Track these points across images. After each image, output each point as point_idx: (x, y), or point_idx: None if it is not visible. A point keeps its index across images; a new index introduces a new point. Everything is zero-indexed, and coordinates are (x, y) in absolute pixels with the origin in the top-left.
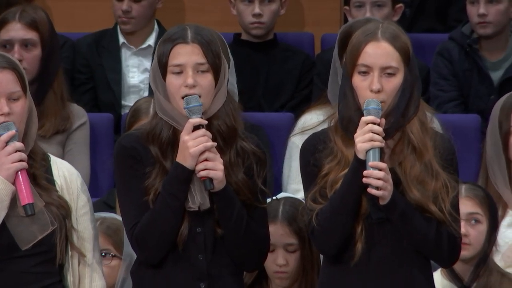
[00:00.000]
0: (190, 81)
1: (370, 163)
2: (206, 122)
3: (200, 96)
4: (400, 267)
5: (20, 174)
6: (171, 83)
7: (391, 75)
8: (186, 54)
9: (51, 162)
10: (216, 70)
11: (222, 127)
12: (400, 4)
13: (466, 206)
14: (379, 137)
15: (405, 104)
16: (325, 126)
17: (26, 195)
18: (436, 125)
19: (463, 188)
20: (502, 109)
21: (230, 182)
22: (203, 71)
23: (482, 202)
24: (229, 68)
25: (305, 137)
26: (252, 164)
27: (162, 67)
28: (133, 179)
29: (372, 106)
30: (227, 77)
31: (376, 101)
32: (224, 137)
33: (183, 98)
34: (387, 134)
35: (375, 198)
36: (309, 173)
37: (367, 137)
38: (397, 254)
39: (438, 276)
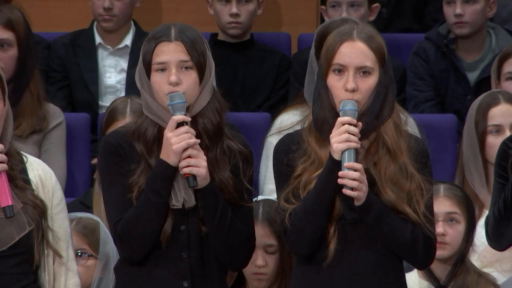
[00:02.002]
0: (173, 78)
1: (346, 163)
2: (189, 119)
3: (184, 93)
4: (373, 268)
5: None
6: (155, 81)
7: (366, 74)
8: (169, 52)
9: (26, 162)
10: (200, 68)
11: (207, 125)
12: (377, 4)
13: (445, 206)
14: (355, 138)
15: (379, 106)
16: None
17: (5, 197)
18: (411, 126)
19: (441, 188)
20: (478, 109)
21: (215, 180)
22: (186, 68)
23: (460, 202)
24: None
25: (281, 137)
26: (238, 163)
27: (146, 65)
28: (117, 175)
29: (349, 107)
30: (212, 75)
31: (353, 102)
32: (209, 135)
33: (167, 95)
34: (362, 135)
35: (349, 199)
36: (283, 173)
37: (343, 137)
38: (370, 255)
39: (415, 276)
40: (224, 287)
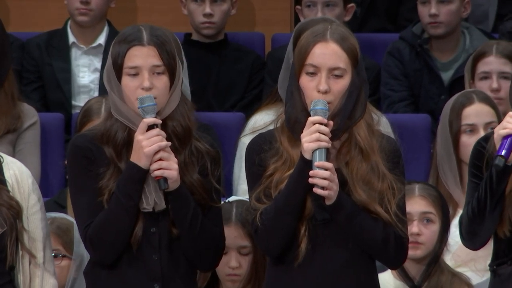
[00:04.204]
0: (146, 83)
1: (316, 163)
2: (160, 121)
3: (155, 98)
4: (345, 268)
5: None
6: (126, 85)
7: (338, 76)
8: (142, 56)
9: (3, 162)
10: (171, 71)
11: (177, 128)
12: (352, 4)
13: (420, 206)
14: (326, 138)
15: (352, 106)
16: None
17: None
18: (384, 126)
19: (416, 188)
20: (452, 108)
21: (185, 182)
22: (158, 73)
23: (435, 202)
24: (182, 70)
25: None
26: (206, 164)
27: (117, 68)
28: (87, 179)
29: (319, 106)
30: (181, 78)
31: (323, 102)
32: (179, 138)
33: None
34: (334, 135)
35: (320, 199)
36: (254, 173)
37: (314, 137)
38: (342, 255)
39: (389, 276)
40: None
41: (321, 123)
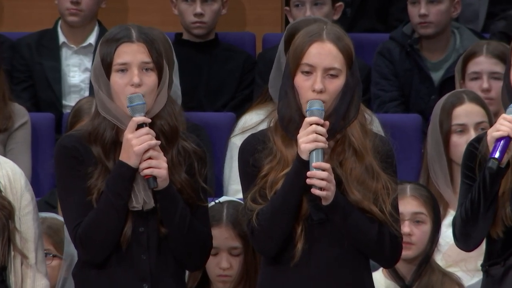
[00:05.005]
0: (136, 79)
1: (314, 163)
2: (149, 120)
3: (144, 96)
4: (340, 268)
5: None
6: (115, 82)
7: (334, 76)
8: (132, 53)
9: None
10: (159, 69)
11: (165, 127)
12: (340, 3)
13: (412, 206)
14: (323, 138)
15: (346, 107)
16: (265, 124)
17: None
18: (376, 126)
19: (408, 188)
20: (442, 108)
21: (173, 181)
22: (147, 70)
23: (427, 202)
24: (173, 70)
25: (246, 137)
26: (193, 163)
27: (106, 66)
28: (75, 179)
29: (316, 107)
30: (168, 77)
31: (319, 102)
32: (166, 137)
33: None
34: (328, 135)
35: (316, 199)
36: (248, 174)
37: (311, 137)
38: (337, 255)
39: (380, 276)
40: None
41: (317, 124)
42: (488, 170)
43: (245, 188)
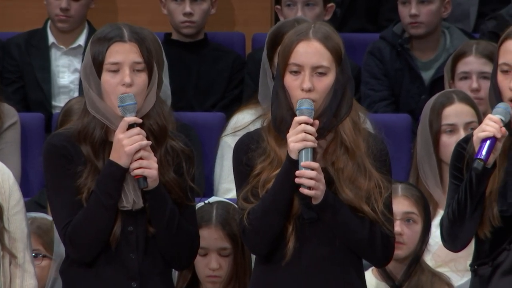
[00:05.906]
0: (127, 79)
1: (303, 163)
2: (141, 121)
3: (135, 95)
4: (332, 267)
5: None
6: (107, 81)
7: (322, 74)
8: (124, 52)
9: None
10: (150, 69)
11: (154, 127)
12: (332, 4)
13: (403, 205)
14: (312, 137)
15: (337, 105)
16: (256, 125)
17: None
18: (368, 125)
19: (399, 188)
20: (432, 108)
21: (162, 181)
22: (138, 70)
23: (418, 202)
24: (163, 70)
25: (237, 136)
26: (181, 163)
27: (97, 65)
28: (64, 178)
29: (305, 106)
30: (157, 77)
31: (309, 101)
32: (155, 136)
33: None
34: (320, 134)
35: (307, 198)
36: (241, 172)
37: (299, 137)
38: (329, 254)
39: (370, 276)
40: (171, 287)
41: (307, 123)
42: (473, 171)
43: (238, 187)
